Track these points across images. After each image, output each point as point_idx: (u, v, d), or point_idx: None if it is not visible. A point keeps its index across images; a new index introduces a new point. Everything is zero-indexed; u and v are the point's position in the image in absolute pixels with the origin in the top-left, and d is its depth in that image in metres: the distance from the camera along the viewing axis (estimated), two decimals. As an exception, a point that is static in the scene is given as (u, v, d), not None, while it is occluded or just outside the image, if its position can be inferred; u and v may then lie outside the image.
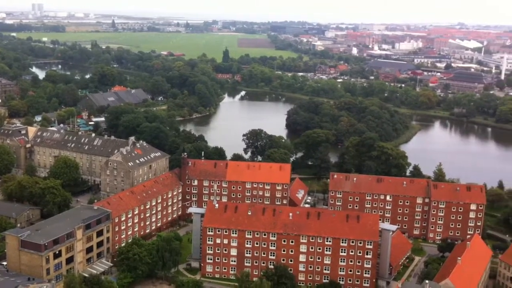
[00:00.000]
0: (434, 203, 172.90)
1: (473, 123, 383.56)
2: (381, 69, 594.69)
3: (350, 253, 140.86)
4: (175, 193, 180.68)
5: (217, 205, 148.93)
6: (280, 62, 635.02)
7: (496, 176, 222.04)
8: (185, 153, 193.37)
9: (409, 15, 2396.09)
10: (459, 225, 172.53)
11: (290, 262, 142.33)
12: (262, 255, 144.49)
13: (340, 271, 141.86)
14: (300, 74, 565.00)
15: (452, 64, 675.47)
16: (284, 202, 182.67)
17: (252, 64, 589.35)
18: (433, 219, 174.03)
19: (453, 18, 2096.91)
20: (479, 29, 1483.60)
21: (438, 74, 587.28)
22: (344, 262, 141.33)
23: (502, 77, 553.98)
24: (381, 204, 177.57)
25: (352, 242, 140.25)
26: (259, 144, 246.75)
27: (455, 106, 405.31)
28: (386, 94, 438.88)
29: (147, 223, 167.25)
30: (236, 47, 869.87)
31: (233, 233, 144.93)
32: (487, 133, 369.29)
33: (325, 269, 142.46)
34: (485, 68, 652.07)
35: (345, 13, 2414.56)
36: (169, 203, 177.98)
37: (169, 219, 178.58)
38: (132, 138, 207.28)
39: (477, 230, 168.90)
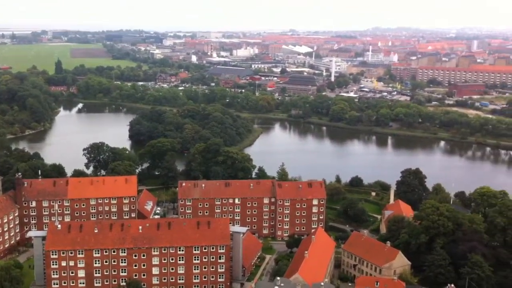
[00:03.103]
0: (280, 201, 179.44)
1: (310, 123, 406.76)
2: (221, 76, 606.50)
3: (204, 260, 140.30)
4: (11, 217, 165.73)
5: (59, 226, 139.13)
6: (119, 72, 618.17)
7: (333, 171, 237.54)
8: (19, 173, 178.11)
9: (244, 22, 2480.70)
10: (304, 220, 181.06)
11: (143, 277, 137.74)
12: (113, 272, 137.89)
13: (195, 278, 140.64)
14: (140, 83, 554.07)
15: (287, 69, 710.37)
16: (133, 215, 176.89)
17: (89, 75, 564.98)
18: (280, 217, 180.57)
19: (285, 25, 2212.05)
20: (309, 35, 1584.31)
21: (275, 78, 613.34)
22: (198, 269, 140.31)
23: (332, 79, 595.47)
24: (231, 208, 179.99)
25: (205, 248, 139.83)
26: (102, 158, 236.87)
27: (292, 108, 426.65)
28: (227, 100, 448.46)
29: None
30: (69, 57, 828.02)
31: (79, 254, 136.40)
32: (322, 132, 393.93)
33: (180, 279, 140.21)
34: (316, 71, 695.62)
35: (182, 21, 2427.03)
36: (5, 229, 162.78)
37: (6, 246, 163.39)
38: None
39: (320, 224, 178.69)
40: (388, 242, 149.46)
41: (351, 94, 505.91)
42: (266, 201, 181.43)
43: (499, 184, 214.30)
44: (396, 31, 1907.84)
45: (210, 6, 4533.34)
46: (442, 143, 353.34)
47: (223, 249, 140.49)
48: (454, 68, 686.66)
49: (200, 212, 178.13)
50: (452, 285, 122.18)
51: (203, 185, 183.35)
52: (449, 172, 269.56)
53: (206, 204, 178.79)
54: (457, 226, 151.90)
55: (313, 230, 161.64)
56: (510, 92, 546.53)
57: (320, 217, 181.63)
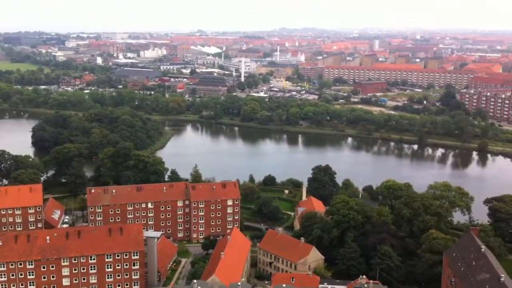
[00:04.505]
0: (194, 204, 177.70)
1: (221, 124, 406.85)
2: (129, 78, 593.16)
3: (117, 267, 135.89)
4: None
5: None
6: (18, 75, 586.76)
7: (247, 171, 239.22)
8: None
9: (150, 23, 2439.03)
10: (219, 221, 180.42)
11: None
12: (20, 286, 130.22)
13: (108, 287, 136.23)
14: (43, 87, 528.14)
15: (197, 70, 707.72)
16: (39, 225, 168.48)
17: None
18: (194, 219, 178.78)
19: (192, 25, 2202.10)
20: (217, 35, 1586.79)
21: (185, 79, 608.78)
22: (111, 278, 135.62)
23: (242, 79, 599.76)
24: (144, 213, 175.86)
25: (118, 255, 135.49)
26: (3, 167, 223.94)
27: (203, 109, 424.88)
28: (136, 102, 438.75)
29: None
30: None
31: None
32: (234, 132, 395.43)
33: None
34: (226, 72, 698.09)
35: (85, 22, 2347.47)
36: None
37: None
38: None
39: (236, 224, 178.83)
40: (302, 238, 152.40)
41: (261, 94, 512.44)
42: (180, 204, 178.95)
43: (404, 176, 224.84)
44: (302, 31, 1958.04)
45: (114, 6, 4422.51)
46: (350, 139, 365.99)
47: (137, 255, 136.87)
48: (358, 67, 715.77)
49: (111, 219, 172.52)
50: (364, 276, 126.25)
51: (114, 190, 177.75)
52: (357, 167, 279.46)
53: (118, 210, 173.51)
54: (366, 219, 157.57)
55: (228, 231, 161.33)
56: (410, 89, 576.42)
57: (235, 217, 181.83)
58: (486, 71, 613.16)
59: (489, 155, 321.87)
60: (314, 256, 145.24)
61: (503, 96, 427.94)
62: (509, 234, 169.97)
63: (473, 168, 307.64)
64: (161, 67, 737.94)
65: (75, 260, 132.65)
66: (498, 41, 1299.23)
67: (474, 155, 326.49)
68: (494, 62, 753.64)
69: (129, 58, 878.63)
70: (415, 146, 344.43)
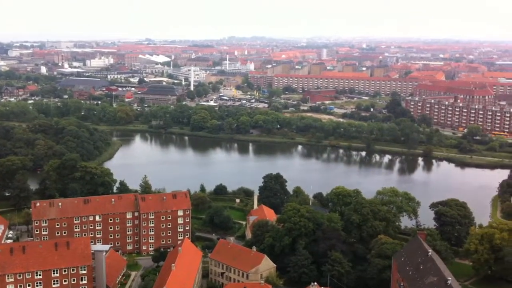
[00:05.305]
0: (144, 215, 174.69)
1: (171, 133, 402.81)
2: (75, 87, 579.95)
3: (64, 283, 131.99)
4: None
5: None
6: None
7: (197, 181, 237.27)
8: None
9: (97, 31, 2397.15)
10: (169, 232, 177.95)
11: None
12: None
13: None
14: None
15: (145, 79, 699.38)
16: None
17: None
18: (144, 231, 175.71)
19: (140, 34, 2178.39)
20: (165, 44, 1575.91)
21: (133, 89, 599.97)
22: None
23: (192, 88, 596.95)
24: (91, 226, 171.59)
25: (65, 271, 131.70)
26: None
27: (152, 119, 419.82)
28: (83, 113, 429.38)
29: None
30: None
31: None
32: (184, 142, 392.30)
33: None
34: (175, 81, 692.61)
35: (28, 30, 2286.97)
36: None
37: None
38: None
39: (187, 234, 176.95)
40: (254, 247, 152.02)
41: (211, 103, 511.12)
42: (129, 215, 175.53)
43: (353, 183, 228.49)
44: (251, 40, 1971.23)
45: (59, 14, 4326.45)
46: (300, 147, 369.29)
47: (84, 269, 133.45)
48: (307, 76, 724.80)
49: (57, 233, 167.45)
50: (315, 283, 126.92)
51: (60, 203, 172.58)
52: (308, 174, 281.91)
53: (64, 224, 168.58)
54: (317, 226, 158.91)
55: (179, 242, 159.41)
56: (358, 97, 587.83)
57: (186, 228, 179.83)
58: (429, 79, 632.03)
59: (434, 161, 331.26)
60: (266, 265, 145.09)
61: (446, 103, 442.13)
62: (455, 238, 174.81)
63: (419, 174, 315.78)
64: (108, 76, 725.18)
65: (20, 276, 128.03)
66: (441, 49, 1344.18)
67: (420, 160, 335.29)
68: (437, 70, 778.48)
69: (75, 67, 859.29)
70: (363, 153, 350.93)
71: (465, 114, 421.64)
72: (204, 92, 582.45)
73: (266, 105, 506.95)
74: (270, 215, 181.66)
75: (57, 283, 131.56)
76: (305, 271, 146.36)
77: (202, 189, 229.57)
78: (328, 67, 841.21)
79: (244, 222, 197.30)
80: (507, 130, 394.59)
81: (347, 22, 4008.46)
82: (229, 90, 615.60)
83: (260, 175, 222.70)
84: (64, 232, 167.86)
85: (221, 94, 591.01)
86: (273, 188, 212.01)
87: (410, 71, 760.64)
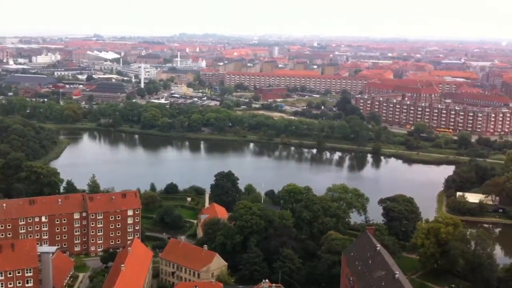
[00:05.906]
0: (92, 215, 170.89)
1: (121, 132, 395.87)
2: (20, 84, 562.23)
3: (9, 286, 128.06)
4: None
5: None
6: None
7: (148, 180, 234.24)
8: None
9: (43, 26, 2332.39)
10: (118, 233, 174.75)
11: None
12: None
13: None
14: None
15: (94, 76, 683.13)
16: None
17: None
18: (92, 232, 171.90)
19: (88, 30, 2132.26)
20: (115, 40, 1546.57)
21: (81, 86, 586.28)
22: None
23: (142, 85, 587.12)
24: (37, 227, 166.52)
25: (10, 273, 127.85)
26: None
27: (101, 117, 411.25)
28: (28, 111, 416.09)
29: None
30: None
31: None
32: (134, 140, 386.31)
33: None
34: (125, 78, 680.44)
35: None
36: None
37: None
38: None
39: (137, 234, 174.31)
40: (205, 245, 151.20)
41: (162, 101, 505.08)
42: (76, 216, 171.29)
43: (304, 180, 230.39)
44: (203, 37, 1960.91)
45: (4, 8, 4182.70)
46: (252, 145, 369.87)
47: (30, 272, 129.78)
48: (259, 73, 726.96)
49: (2, 235, 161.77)
50: (267, 280, 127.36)
51: (4, 205, 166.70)
52: (259, 172, 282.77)
53: (9, 226, 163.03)
54: (269, 223, 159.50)
55: (129, 242, 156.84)
56: (309, 95, 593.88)
57: (136, 228, 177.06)
58: (378, 77, 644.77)
59: (382, 157, 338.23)
60: (217, 263, 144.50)
61: (394, 100, 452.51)
62: (402, 232, 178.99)
63: (368, 170, 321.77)
64: (55, 73, 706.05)
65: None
66: (389, 48, 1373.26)
67: (369, 157, 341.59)
68: (386, 68, 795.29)
69: (20, 63, 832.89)
70: (314, 150, 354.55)
71: (412, 111, 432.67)
72: (155, 90, 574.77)
73: (217, 103, 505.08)
74: (221, 213, 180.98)
75: (2, 286, 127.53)
76: (257, 269, 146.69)
77: (153, 188, 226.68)
78: (279, 65, 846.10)
79: (195, 221, 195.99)
80: (452, 127, 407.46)
81: (298, 20, 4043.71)
82: (181, 88, 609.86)
83: (211, 173, 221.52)
84: (9, 234, 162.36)
85: (172, 92, 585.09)
86: (225, 186, 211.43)
87: (359, 70, 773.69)
